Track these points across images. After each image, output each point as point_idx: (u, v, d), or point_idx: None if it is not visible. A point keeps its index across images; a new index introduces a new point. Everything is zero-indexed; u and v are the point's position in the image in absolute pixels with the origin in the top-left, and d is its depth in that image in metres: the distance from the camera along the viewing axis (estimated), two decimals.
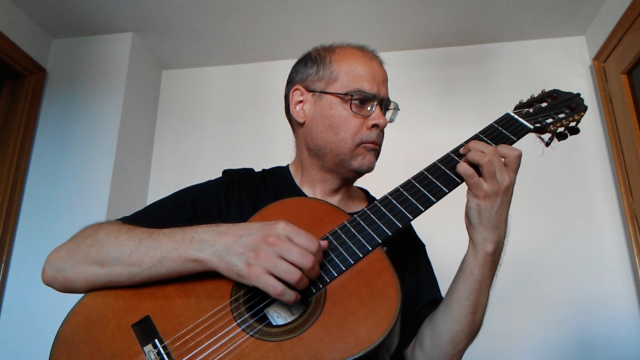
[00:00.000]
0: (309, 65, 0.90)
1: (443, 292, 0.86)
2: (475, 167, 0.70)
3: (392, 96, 0.92)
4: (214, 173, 0.96)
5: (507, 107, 0.84)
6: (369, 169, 0.87)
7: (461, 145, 0.76)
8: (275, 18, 2.17)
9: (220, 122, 2.43)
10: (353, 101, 0.83)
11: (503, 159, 0.70)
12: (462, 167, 0.71)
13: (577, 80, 2.19)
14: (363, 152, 0.85)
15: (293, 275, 0.60)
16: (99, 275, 0.68)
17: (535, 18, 2.16)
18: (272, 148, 2.20)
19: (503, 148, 0.71)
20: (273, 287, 0.60)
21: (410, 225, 0.95)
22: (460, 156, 0.74)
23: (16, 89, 2.17)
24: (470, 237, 0.73)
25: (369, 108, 0.85)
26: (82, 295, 0.70)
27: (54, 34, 2.29)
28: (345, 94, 0.84)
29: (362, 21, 2.19)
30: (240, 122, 2.42)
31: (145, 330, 0.64)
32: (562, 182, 2.08)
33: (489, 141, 0.75)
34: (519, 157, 0.71)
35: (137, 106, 2.29)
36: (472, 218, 0.71)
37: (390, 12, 2.13)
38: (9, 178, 2.02)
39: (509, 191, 0.70)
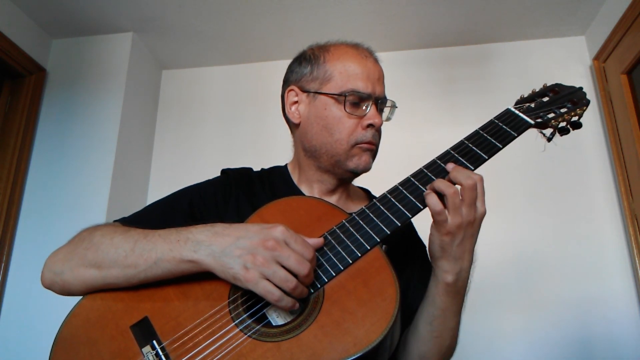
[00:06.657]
0: (303, 65, 0.88)
1: None
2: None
3: (392, 96, 0.90)
4: (214, 173, 0.96)
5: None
6: (365, 169, 0.85)
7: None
8: (275, 18, 2.17)
9: (220, 122, 2.43)
10: (347, 101, 0.82)
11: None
12: (432, 201, 0.66)
13: (577, 80, 2.19)
14: (359, 153, 0.84)
15: (289, 283, 0.60)
16: (95, 277, 0.68)
17: (535, 18, 2.15)
18: (272, 148, 2.20)
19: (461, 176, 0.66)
20: (271, 293, 0.60)
21: (412, 226, 0.94)
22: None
23: (16, 89, 2.17)
24: (432, 266, 0.72)
25: (364, 108, 0.83)
26: (81, 296, 0.70)
27: (54, 34, 2.29)
28: (340, 95, 0.82)
29: (362, 21, 2.19)
30: (240, 122, 2.41)
31: (144, 331, 0.64)
32: (562, 182, 2.07)
33: (465, 162, 0.70)
34: (481, 181, 0.66)
35: (137, 106, 2.28)
36: (434, 251, 0.69)
37: (390, 12, 2.13)
38: (9, 178, 2.02)
39: (473, 225, 0.66)
